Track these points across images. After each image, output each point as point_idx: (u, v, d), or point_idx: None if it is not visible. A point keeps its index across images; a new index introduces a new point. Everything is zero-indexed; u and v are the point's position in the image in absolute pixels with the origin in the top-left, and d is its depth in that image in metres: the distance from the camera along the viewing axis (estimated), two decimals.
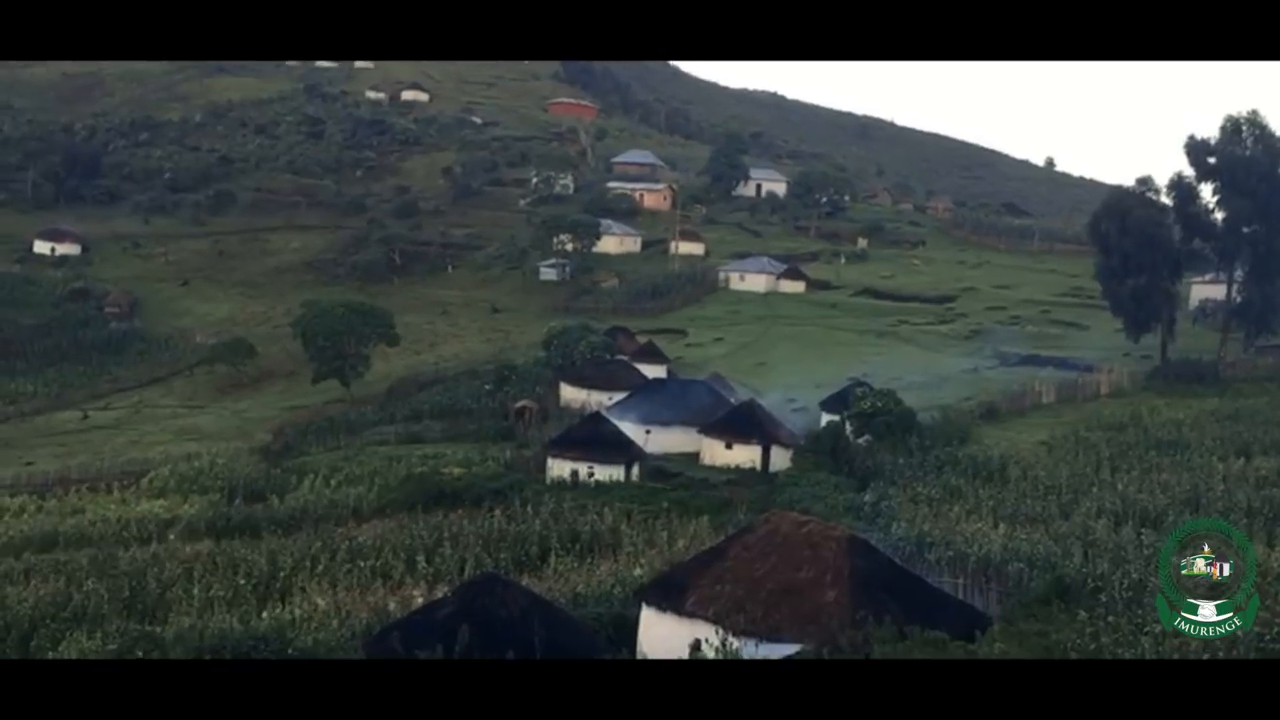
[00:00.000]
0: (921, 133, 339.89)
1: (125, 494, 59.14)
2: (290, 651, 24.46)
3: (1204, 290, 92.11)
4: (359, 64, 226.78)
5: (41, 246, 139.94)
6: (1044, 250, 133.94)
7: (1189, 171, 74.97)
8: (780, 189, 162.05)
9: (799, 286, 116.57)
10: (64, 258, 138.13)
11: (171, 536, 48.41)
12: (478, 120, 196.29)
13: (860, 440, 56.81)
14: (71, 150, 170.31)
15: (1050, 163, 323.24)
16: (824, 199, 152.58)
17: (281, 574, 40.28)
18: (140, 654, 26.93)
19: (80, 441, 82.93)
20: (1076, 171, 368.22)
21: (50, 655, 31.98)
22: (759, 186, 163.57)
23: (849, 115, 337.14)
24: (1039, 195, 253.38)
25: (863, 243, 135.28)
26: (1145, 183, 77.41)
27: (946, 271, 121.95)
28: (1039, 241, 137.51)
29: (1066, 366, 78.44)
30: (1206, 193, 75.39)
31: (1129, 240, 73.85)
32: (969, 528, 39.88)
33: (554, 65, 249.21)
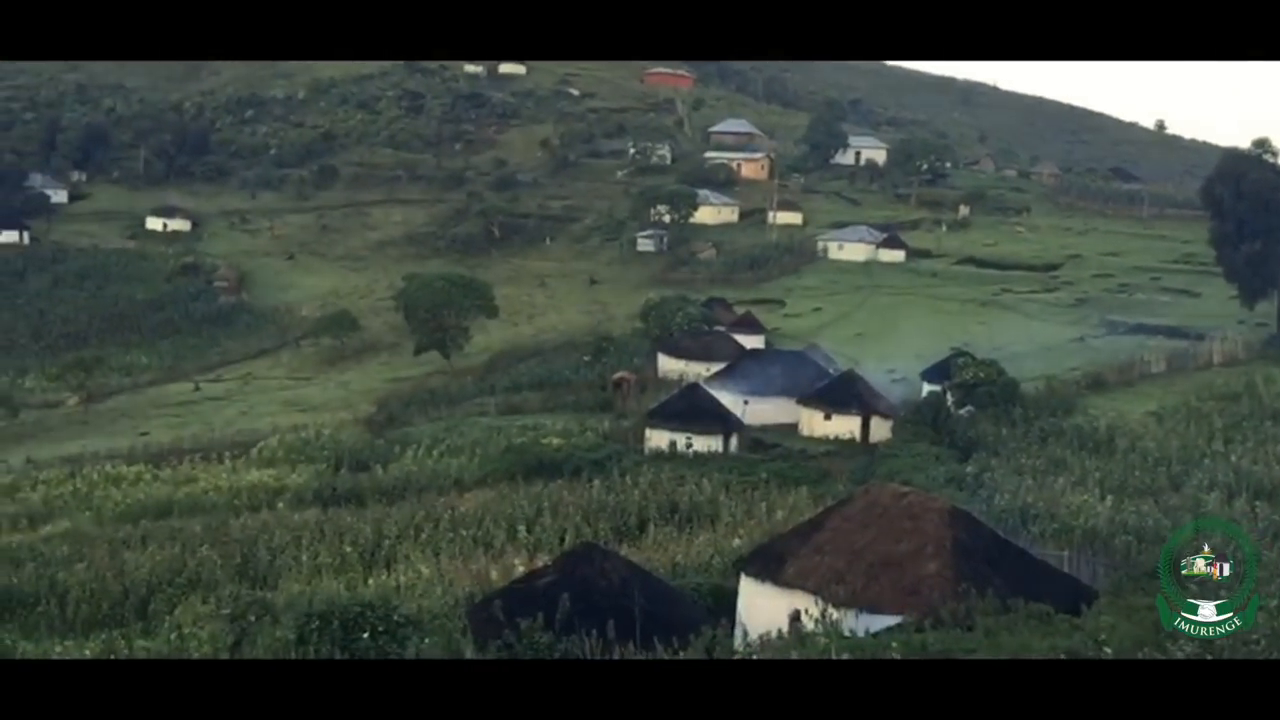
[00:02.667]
0: (1026, 97, 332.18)
1: (236, 463, 60.70)
2: (395, 618, 24.95)
3: None
4: None
5: (153, 223, 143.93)
6: (1154, 216, 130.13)
7: None
8: (880, 157, 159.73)
9: (899, 255, 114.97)
10: (175, 233, 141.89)
11: (280, 505, 49.63)
12: (575, 92, 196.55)
13: (962, 411, 56.01)
14: (181, 128, 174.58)
15: (1160, 125, 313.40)
16: (924, 166, 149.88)
17: (386, 542, 41.13)
18: (252, 618, 27.75)
19: (192, 412, 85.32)
20: (1188, 134, 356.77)
21: (166, 619, 33.13)
22: (858, 154, 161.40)
23: (950, 80, 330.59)
24: (1149, 159, 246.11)
25: (964, 210, 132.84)
26: (1262, 145, 74.97)
27: (1052, 239, 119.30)
28: (1149, 207, 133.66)
29: (1177, 335, 76.43)
30: None
31: (1244, 204, 71.63)
32: (1074, 500, 39.18)
33: None
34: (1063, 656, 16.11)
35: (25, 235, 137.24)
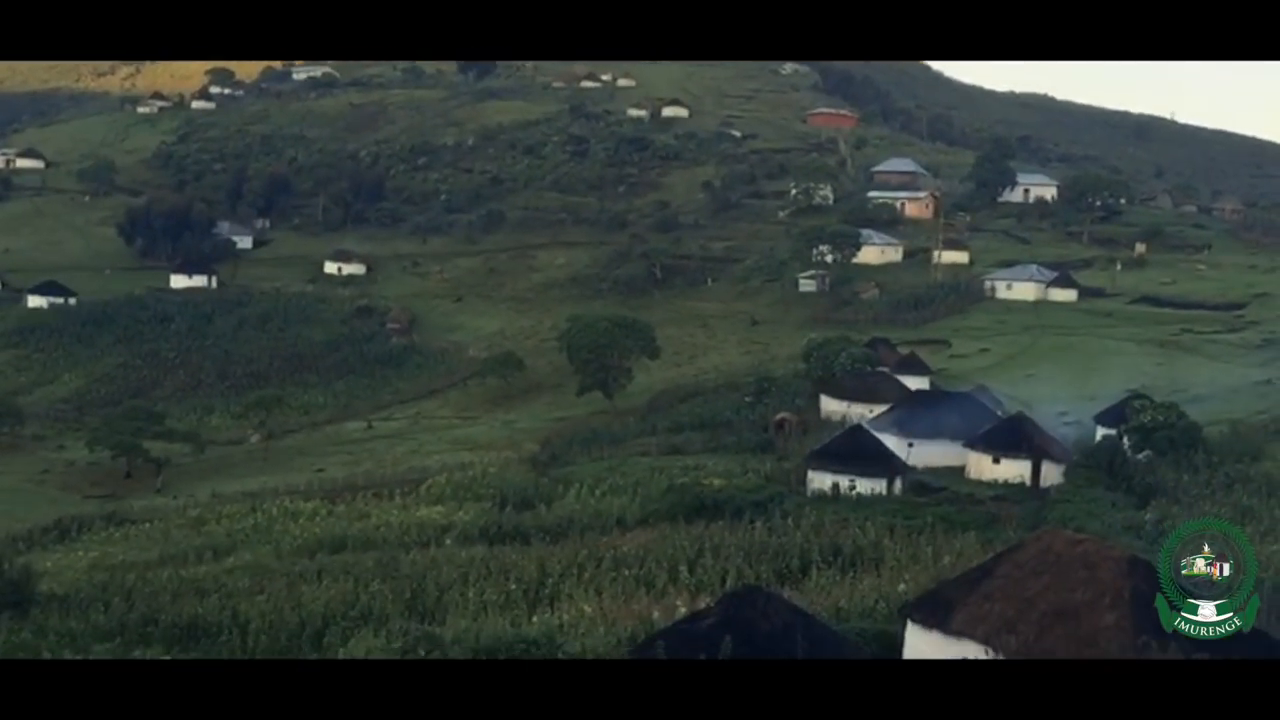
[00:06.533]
0: (1205, 130, 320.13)
1: (405, 500, 62.32)
2: (560, 656, 25.19)
3: None
4: (621, 82, 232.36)
5: (330, 267, 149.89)
6: None
7: None
8: (1050, 194, 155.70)
9: (1070, 295, 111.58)
10: (350, 277, 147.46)
11: (448, 541, 50.60)
12: (736, 134, 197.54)
13: (1140, 456, 53.92)
14: (357, 176, 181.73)
15: None
16: (1097, 203, 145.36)
17: (550, 580, 41.53)
18: (422, 653, 28.32)
19: (365, 450, 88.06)
20: None
21: (340, 651, 34.07)
22: (1027, 191, 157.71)
23: (1124, 114, 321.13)
24: None
25: (1141, 248, 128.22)
26: None
27: (1235, 277, 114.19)
28: None
29: None
30: None
31: None
32: (1265, 550, 37.21)
33: (813, 75, 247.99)
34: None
35: (213, 280, 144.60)
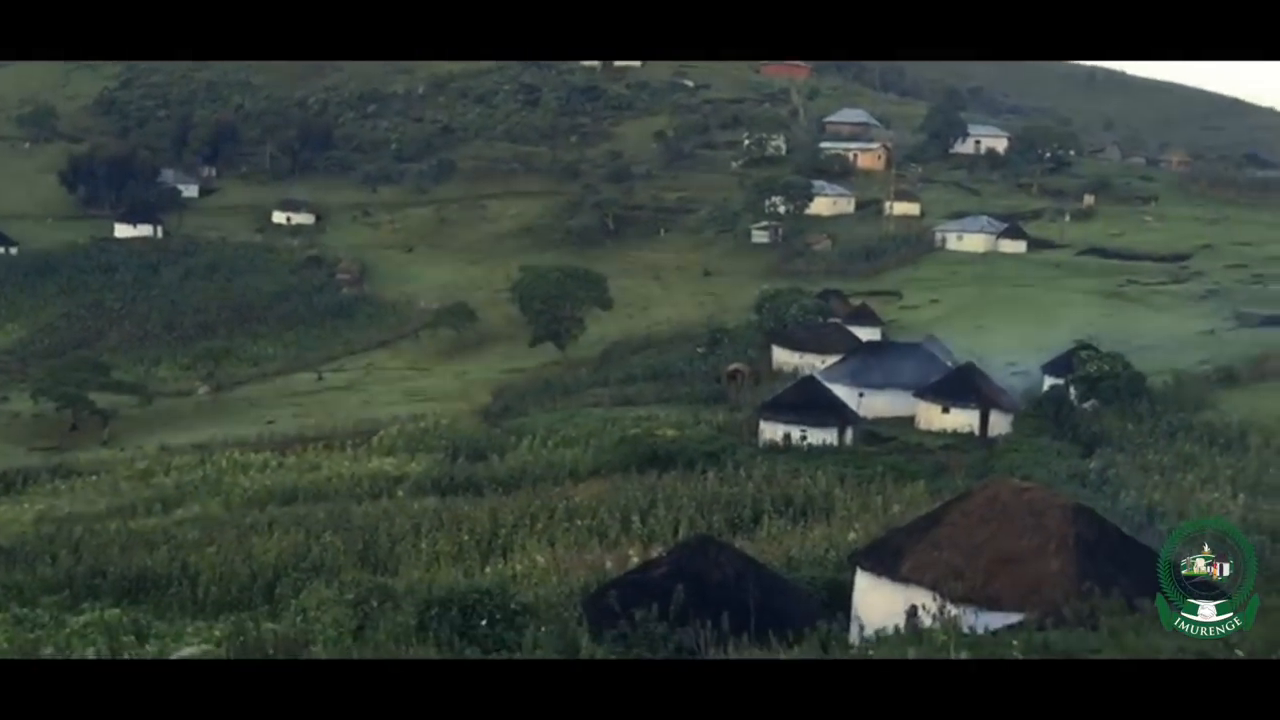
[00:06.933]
0: (1155, 82, 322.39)
1: (357, 452, 62.07)
2: (513, 606, 25.29)
3: None
4: None
5: (279, 216, 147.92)
6: None
7: None
8: (1001, 145, 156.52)
9: (1020, 246, 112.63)
10: (299, 227, 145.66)
11: (400, 493, 50.57)
12: (689, 84, 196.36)
13: (1086, 405, 54.69)
14: (305, 124, 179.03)
15: None
16: (1047, 154, 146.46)
17: (502, 531, 41.66)
18: (375, 604, 28.37)
19: (316, 402, 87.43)
20: None
21: (292, 603, 34.04)
22: (978, 143, 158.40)
23: (1075, 66, 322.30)
24: None
25: (1089, 200, 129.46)
26: None
27: (1181, 228, 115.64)
28: None
29: None
30: None
31: None
32: (1204, 498, 38.05)
33: None
34: (1191, 658, 15.67)
35: (159, 229, 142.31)
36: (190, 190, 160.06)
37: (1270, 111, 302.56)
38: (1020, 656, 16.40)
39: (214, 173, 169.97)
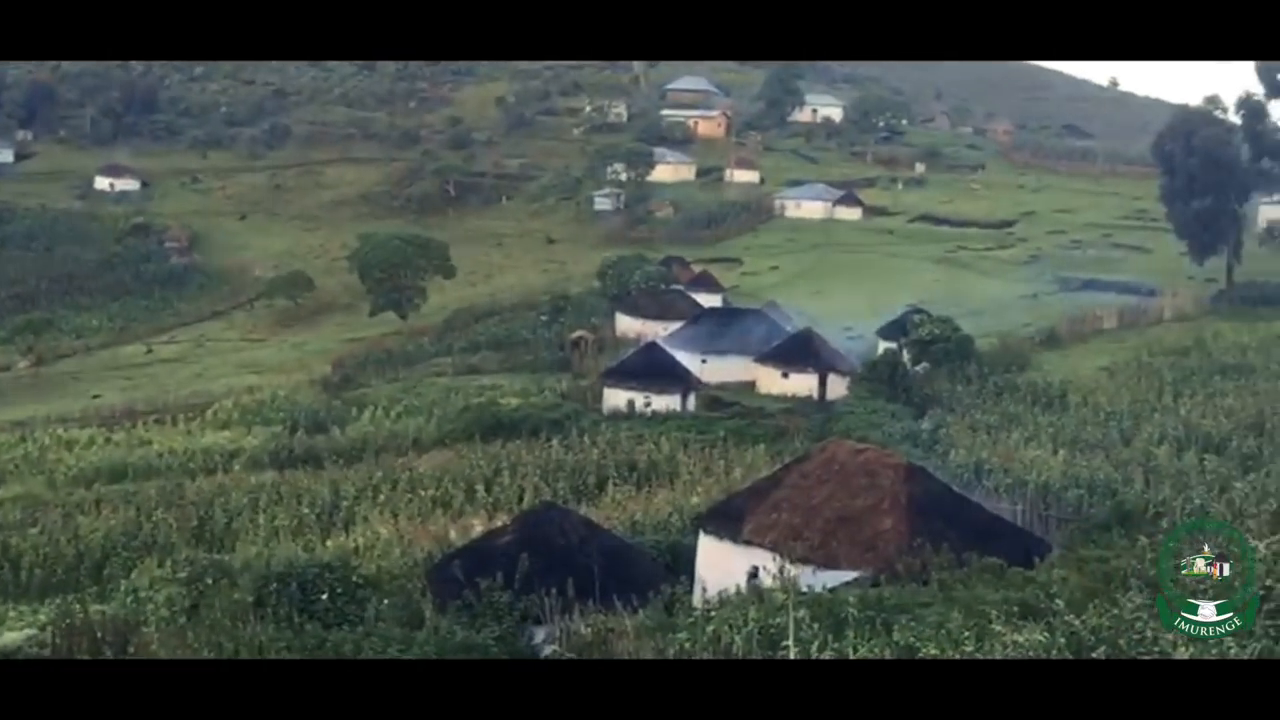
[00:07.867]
0: None
1: (190, 426, 60.21)
2: (354, 579, 24.91)
3: (1272, 212, 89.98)
4: None
5: (101, 183, 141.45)
6: (1106, 173, 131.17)
7: (1258, 90, 72.94)
8: (836, 114, 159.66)
9: (855, 213, 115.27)
10: (124, 193, 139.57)
11: (236, 468, 49.35)
12: None
13: (918, 368, 56.42)
14: (128, 85, 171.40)
15: (1114, 83, 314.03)
16: (881, 124, 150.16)
17: (344, 504, 41.03)
18: (209, 581, 27.62)
19: (145, 375, 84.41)
20: (1141, 91, 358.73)
21: (122, 583, 32.91)
22: (814, 112, 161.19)
23: None
24: (1102, 116, 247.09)
25: (920, 168, 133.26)
26: (1213, 101, 75.58)
27: (1006, 196, 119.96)
28: (1101, 164, 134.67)
29: (1129, 291, 77.23)
30: (1276, 111, 73.50)
31: (1195, 160, 72.18)
32: (1028, 455, 39.66)
33: None
34: (1015, 609, 16.32)
35: None
36: (4, 155, 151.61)
37: (1087, 83, 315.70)
38: (856, 612, 16.81)
39: (30, 136, 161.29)
